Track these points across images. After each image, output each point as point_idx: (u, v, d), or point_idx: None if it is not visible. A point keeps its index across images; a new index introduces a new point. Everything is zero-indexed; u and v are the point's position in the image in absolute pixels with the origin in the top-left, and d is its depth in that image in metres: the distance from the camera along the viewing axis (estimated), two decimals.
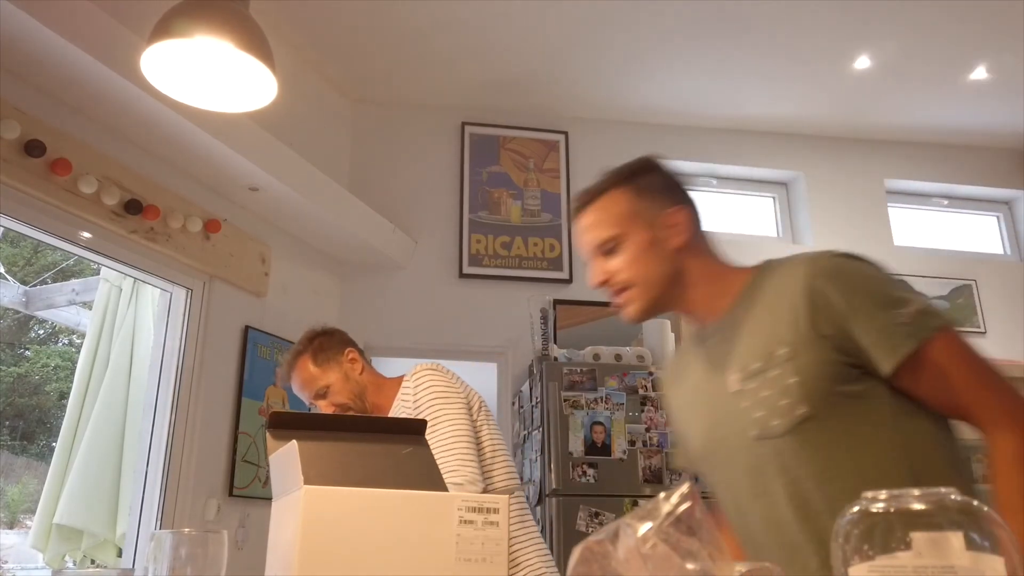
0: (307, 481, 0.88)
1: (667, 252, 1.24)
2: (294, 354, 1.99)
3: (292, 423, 1.03)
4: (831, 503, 1.08)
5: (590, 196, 1.29)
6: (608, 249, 1.26)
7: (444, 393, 1.74)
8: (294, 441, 0.95)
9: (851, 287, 1.11)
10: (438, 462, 1.59)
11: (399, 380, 1.91)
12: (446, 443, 1.66)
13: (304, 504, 0.86)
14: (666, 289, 1.25)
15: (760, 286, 1.21)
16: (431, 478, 1.02)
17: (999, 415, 1.06)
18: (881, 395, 1.10)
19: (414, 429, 1.08)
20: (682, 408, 1.35)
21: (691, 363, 1.32)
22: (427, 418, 1.63)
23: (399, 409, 1.85)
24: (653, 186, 1.28)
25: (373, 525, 0.87)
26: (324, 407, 1.92)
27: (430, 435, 1.63)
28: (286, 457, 0.97)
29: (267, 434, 1.06)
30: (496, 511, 0.90)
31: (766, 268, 1.24)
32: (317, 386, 1.92)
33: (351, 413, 1.89)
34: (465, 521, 0.88)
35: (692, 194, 1.32)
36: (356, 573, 0.85)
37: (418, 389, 1.76)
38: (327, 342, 1.99)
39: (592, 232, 1.27)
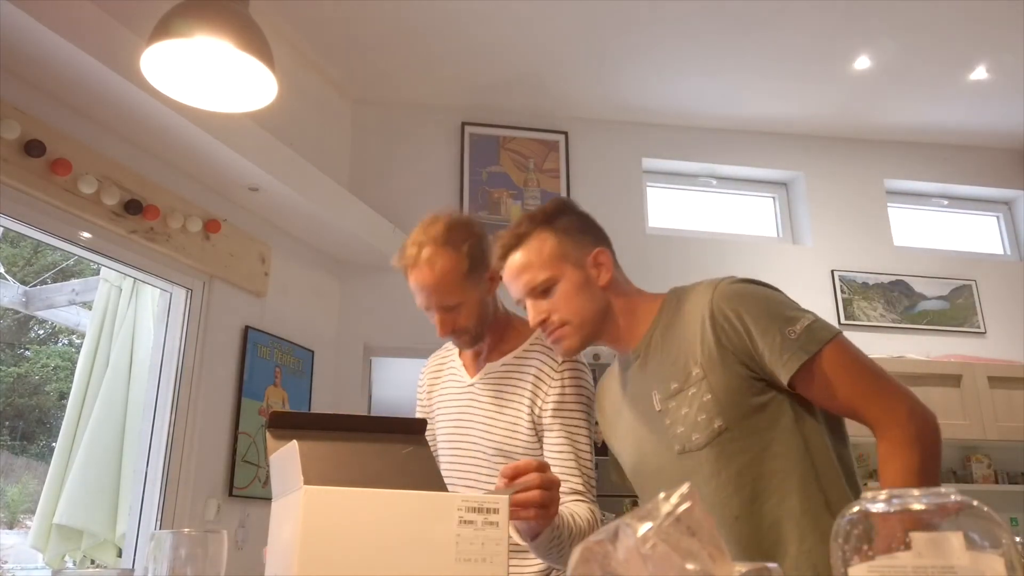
0: (307, 481, 0.88)
1: (596, 290, 1.34)
2: (439, 243, 1.54)
3: (292, 423, 1.03)
4: (746, 506, 1.21)
5: (517, 239, 1.35)
6: (544, 290, 1.33)
7: (589, 401, 1.56)
8: (294, 441, 0.95)
9: (748, 307, 1.23)
10: (568, 466, 1.50)
11: (525, 329, 1.63)
12: (583, 453, 1.53)
13: (304, 504, 0.86)
14: (597, 325, 1.35)
15: (670, 312, 1.33)
16: (431, 478, 1.02)
17: (881, 416, 1.18)
18: (782, 403, 1.23)
19: (414, 429, 1.08)
20: (614, 431, 1.45)
21: (617, 389, 1.43)
22: (567, 419, 1.53)
23: (518, 373, 1.60)
24: (573, 228, 1.37)
25: (373, 525, 0.87)
26: (441, 321, 1.57)
27: (568, 436, 1.52)
28: (286, 457, 0.97)
29: (267, 434, 1.06)
30: (496, 511, 0.89)
31: (674, 295, 1.35)
32: (452, 299, 1.54)
33: (464, 338, 1.60)
34: (465, 521, 0.88)
35: (603, 232, 1.42)
36: (356, 573, 0.85)
37: (567, 385, 1.54)
38: (482, 248, 1.57)
39: (527, 274, 1.34)
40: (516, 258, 1.35)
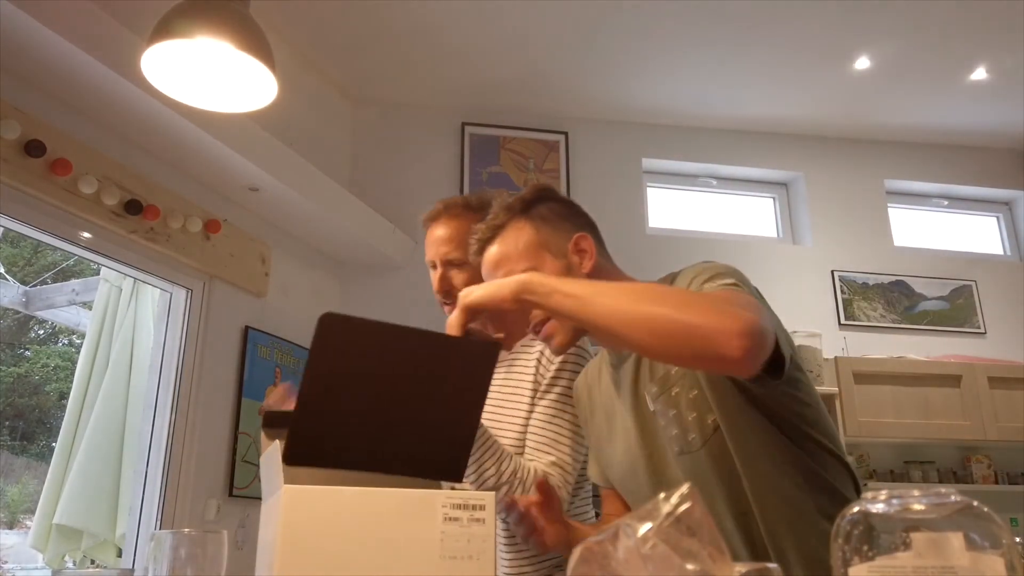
0: (287, 481, 0.88)
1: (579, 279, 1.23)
2: (463, 206, 1.62)
3: (287, 422, 1.02)
4: (749, 506, 1.13)
5: (492, 231, 1.28)
6: None
7: (573, 370, 1.51)
8: (276, 443, 0.95)
9: (692, 277, 1.15)
10: (542, 442, 1.45)
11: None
12: (563, 437, 1.46)
13: (284, 504, 0.86)
14: None
15: None
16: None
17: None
18: (765, 400, 1.12)
19: None
20: (600, 427, 1.36)
21: (609, 389, 1.33)
22: (554, 399, 1.49)
23: (517, 366, 1.58)
24: (552, 215, 1.28)
25: (355, 524, 0.86)
26: (440, 276, 1.62)
27: (549, 417, 1.48)
28: (270, 458, 0.97)
29: (262, 434, 1.05)
30: (482, 508, 0.89)
31: (664, 283, 1.25)
32: (457, 253, 1.58)
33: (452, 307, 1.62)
34: (450, 518, 0.88)
35: (588, 217, 1.33)
36: (338, 572, 0.84)
37: (565, 367, 1.52)
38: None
39: (504, 267, 1.25)
40: (492, 251, 1.28)
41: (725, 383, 1.14)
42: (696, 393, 1.15)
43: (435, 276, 1.63)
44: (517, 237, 1.26)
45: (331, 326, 0.91)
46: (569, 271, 1.24)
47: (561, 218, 1.29)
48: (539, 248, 1.25)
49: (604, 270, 1.28)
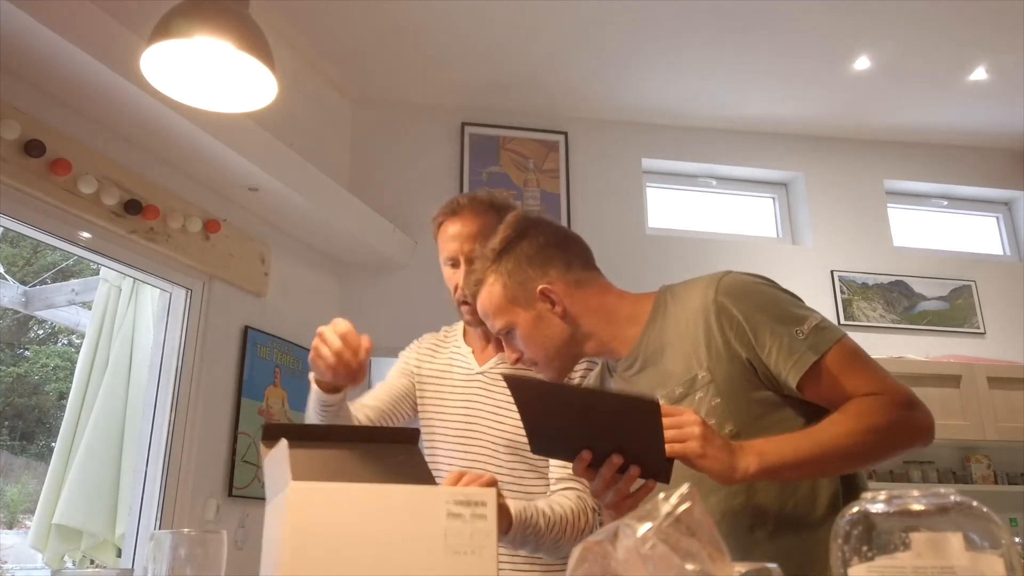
0: (295, 478, 0.88)
1: (554, 323, 1.31)
2: (485, 203, 1.60)
3: (286, 434, 1.03)
4: (758, 517, 1.16)
5: (475, 286, 1.36)
6: (505, 334, 1.35)
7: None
8: (284, 440, 0.95)
9: (755, 305, 1.20)
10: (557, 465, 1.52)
11: None
12: None
13: (291, 500, 0.86)
14: (569, 351, 1.33)
15: (666, 311, 1.29)
16: (423, 480, 1.02)
17: (884, 390, 1.16)
18: (784, 406, 1.19)
19: (406, 438, 1.07)
20: None
21: (610, 384, 1.39)
22: None
23: None
24: (522, 261, 1.32)
25: (360, 520, 0.87)
26: (465, 272, 1.55)
27: None
28: (277, 458, 0.97)
29: (261, 445, 1.05)
30: (483, 504, 0.90)
31: (667, 293, 1.31)
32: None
33: (472, 309, 1.48)
34: (453, 515, 0.88)
35: (566, 243, 1.37)
36: (344, 569, 0.85)
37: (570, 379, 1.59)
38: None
39: (487, 320, 1.37)
40: (479, 303, 1.36)
41: (751, 394, 1.18)
42: (719, 401, 1.18)
43: (456, 274, 1.55)
44: (490, 295, 1.33)
45: (514, 385, 1.08)
46: (542, 319, 1.31)
47: (531, 264, 1.32)
48: (510, 304, 1.32)
49: (580, 302, 1.32)
